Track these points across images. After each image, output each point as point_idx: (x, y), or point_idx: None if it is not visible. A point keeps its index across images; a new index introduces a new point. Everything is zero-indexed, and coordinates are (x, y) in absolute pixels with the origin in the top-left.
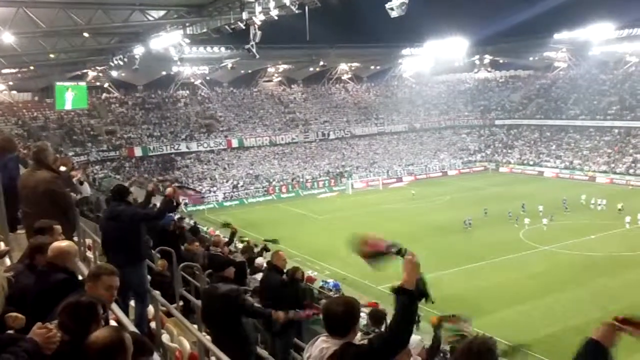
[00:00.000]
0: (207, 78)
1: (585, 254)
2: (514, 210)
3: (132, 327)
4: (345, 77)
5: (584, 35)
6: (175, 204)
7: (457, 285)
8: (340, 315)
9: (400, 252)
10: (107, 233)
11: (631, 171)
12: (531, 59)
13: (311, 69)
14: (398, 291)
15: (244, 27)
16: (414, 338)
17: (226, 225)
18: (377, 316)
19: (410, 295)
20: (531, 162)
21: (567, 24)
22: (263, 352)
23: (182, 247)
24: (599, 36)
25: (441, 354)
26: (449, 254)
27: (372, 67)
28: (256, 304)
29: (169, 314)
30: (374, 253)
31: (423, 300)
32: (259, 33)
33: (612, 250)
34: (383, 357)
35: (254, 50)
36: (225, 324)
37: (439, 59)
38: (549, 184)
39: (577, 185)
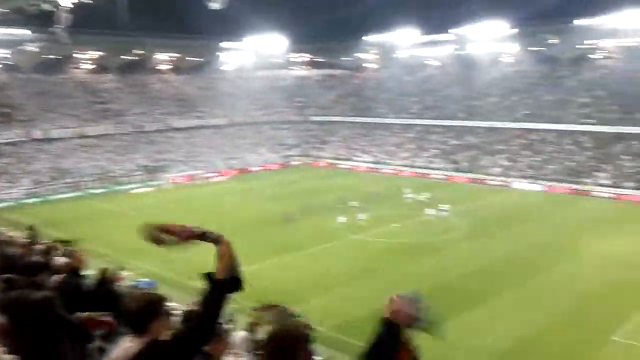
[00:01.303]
0: (9, 63)
1: (393, 241)
2: (332, 203)
3: None
4: (163, 67)
5: (391, 39)
6: None
7: (276, 275)
8: (138, 312)
9: (215, 240)
10: None
11: (430, 165)
12: (345, 59)
13: (127, 57)
14: (210, 280)
15: (51, 9)
16: (241, 334)
17: (30, 229)
18: (186, 315)
19: (220, 285)
20: (344, 157)
21: (377, 27)
22: None
23: None
24: (405, 40)
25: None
26: (269, 245)
27: (192, 59)
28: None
29: None
30: (176, 239)
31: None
32: (67, 16)
33: (414, 238)
34: (190, 347)
35: (62, 34)
36: (40, 341)
37: (259, 55)
38: (361, 177)
39: (385, 178)
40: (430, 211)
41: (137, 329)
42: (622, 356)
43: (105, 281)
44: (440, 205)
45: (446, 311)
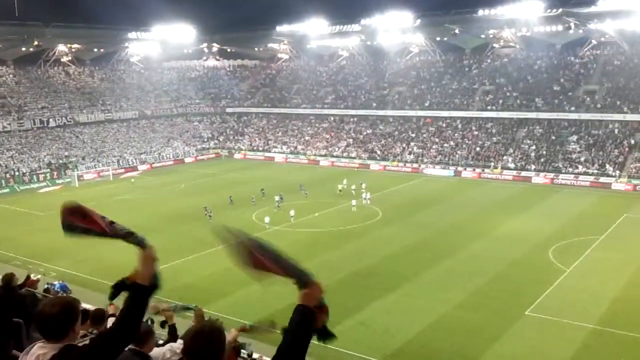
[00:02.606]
0: None
1: (313, 230)
2: (249, 195)
3: None
4: (65, 59)
5: (302, 29)
6: None
7: (197, 271)
8: (57, 317)
9: (139, 244)
10: None
11: (345, 154)
12: (257, 49)
13: (24, 48)
14: (129, 286)
15: None
16: (179, 344)
17: None
18: (97, 316)
19: (142, 290)
20: (261, 148)
21: (288, 17)
22: None
23: None
24: (315, 31)
25: None
26: (187, 241)
27: (96, 50)
28: None
29: None
30: (85, 227)
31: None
32: None
33: (334, 226)
34: (108, 354)
35: None
36: None
37: (168, 45)
38: (278, 168)
39: (303, 168)
40: (354, 201)
41: (55, 335)
42: (536, 329)
43: (12, 287)
44: (363, 193)
45: (367, 294)
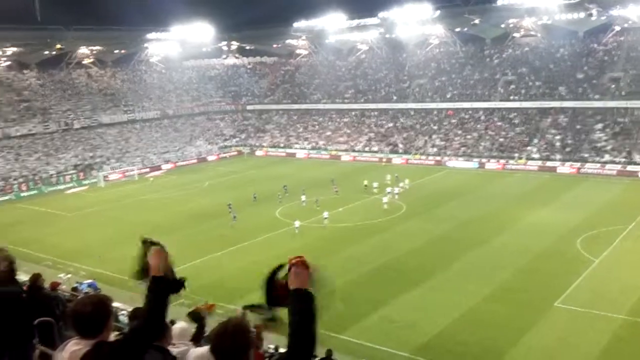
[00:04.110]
0: None
1: (337, 225)
2: (276, 191)
3: None
4: (87, 61)
5: (320, 24)
6: None
7: (223, 268)
8: (90, 314)
9: (152, 243)
10: None
11: (367, 149)
12: (275, 46)
13: (46, 52)
14: (152, 281)
15: None
16: (179, 326)
17: None
18: (136, 315)
19: (161, 281)
20: (282, 145)
21: (305, 13)
22: None
23: None
24: (333, 25)
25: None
26: (211, 239)
27: (116, 51)
28: None
29: None
30: None
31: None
32: None
33: (357, 221)
34: (139, 347)
35: None
36: None
37: (187, 44)
38: (300, 164)
39: (325, 164)
40: (385, 198)
41: (90, 332)
42: (565, 321)
43: (38, 287)
44: (396, 186)
45: (392, 288)
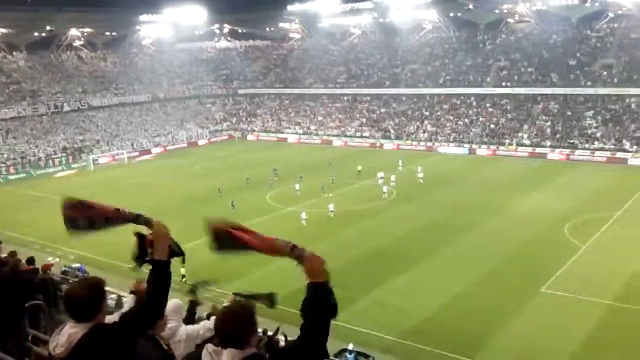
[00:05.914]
0: None
1: (326, 211)
2: (265, 176)
3: None
4: (77, 43)
5: (313, 8)
6: None
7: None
8: (85, 298)
9: (147, 223)
10: None
11: (358, 134)
12: (268, 29)
13: (36, 34)
14: (152, 262)
15: None
16: (173, 302)
17: None
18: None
19: (162, 265)
20: (274, 129)
21: None
22: None
23: None
24: (326, 9)
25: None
26: (201, 223)
27: (108, 34)
28: None
29: None
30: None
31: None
32: None
33: (349, 206)
34: (139, 328)
35: None
36: None
37: (179, 27)
38: (293, 148)
39: (316, 149)
40: (385, 187)
41: (85, 316)
42: (551, 306)
43: (18, 271)
44: (379, 172)
45: (382, 273)
